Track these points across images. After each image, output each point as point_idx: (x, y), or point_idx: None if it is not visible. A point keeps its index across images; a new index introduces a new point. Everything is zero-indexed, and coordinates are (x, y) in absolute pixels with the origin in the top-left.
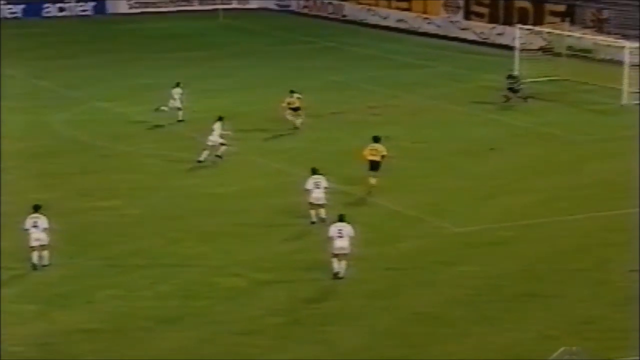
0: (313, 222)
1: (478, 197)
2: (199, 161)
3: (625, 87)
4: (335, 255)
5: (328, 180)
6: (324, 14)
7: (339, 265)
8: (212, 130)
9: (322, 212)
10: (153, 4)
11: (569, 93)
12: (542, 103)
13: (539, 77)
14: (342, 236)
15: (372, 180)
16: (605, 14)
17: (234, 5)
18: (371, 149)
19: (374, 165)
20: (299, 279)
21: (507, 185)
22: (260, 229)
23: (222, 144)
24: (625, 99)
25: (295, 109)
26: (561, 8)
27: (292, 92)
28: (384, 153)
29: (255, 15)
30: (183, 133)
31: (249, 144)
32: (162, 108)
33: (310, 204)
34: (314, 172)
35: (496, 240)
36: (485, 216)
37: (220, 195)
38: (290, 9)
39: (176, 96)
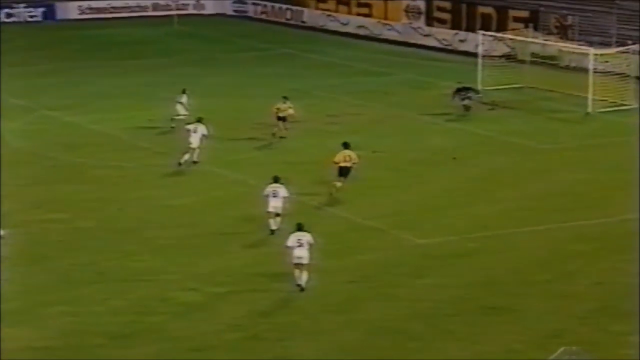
0: (272, 232)
1: (441, 207)
2: (179, 164)
3: (590, 95)
4: (295, 265)
5: (288, 189)
6: (282, 20)
7: (299, 276)
8: (194, 132)
9: (277, 222)
10: (105, 10)
11: (533, 101)
12: (505, 111)
13: (503, 84)
14: (301, 245)
15: (338, 184)
16: (570, 20)
17: (189, 11)
18: (344, 155)
19: (344, 172)
20: (258, 292)
21: (471, 196)
22: (217, 241)
23: (192, 149)
24: (590, 107)
25: (282, 119)
26: (525, 14)
27: (284, 98)
28: (356, 161)
29: (211, 21)
30: (137, 143)
31: (205, 153)
32: (177, 117)
33: (268, 212)
34: (275, 180)
35: (459, 252)
36: (448, 227)
37: (176, 206)
38: (247, 14)
39: (181, 102)
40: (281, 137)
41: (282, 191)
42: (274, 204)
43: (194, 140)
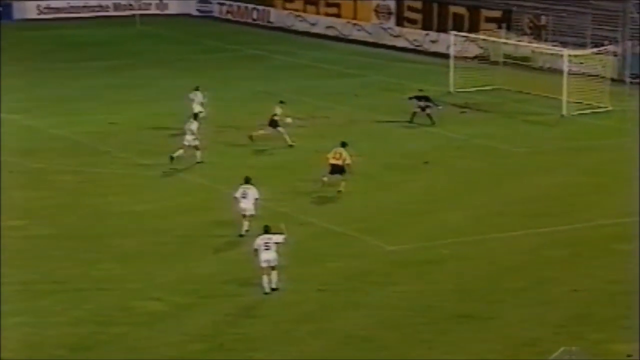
0: (241, 235)
1: (412, 213)
2: (172, 157)
3: (565, 97)
4: (262, 269)
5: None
6: (249, 20)
7: (267, 281)
8: (189, 130)
9: (247, 224)
10: (64, 10)
11: (506, 103)
12: (478, 114)
13: (475, 86)
14: (268, 248)
15: (324, 179)
16: (543, 20)
17: (152, 11)
18: (335, 153)
19: (335, 169)
20: (224, 300)
21: (443, 201)
22: (182, 248)
23: (196, 147)
24: (565, 110)
25: (274, 123)
26: (497, 14)
27: (281, 102)
28: (348, 161)
29: (175, 21)
30: (98, 147)
31: (168, 158)
32: (198, 112)
33: (239, 214)
34: (246, 180)
35: (431, 259)
36: (420, 233)
37: (139, 213)
38: (212, 14)
39: (197, 100)
40: (289, 146)
41: (253, 192)
42: (244, 206)
43: (188, 138)
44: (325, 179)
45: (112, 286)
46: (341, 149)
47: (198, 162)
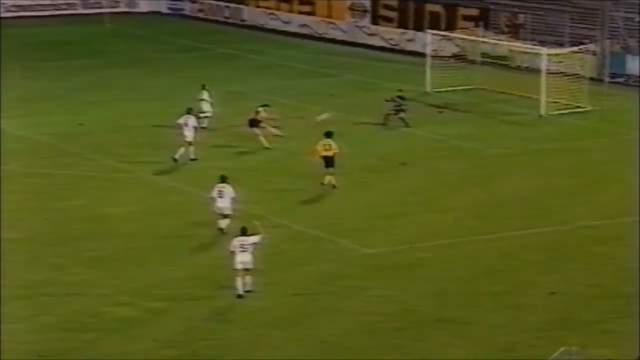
0: (221, 229)
1: (389, 215)
2: (174, 159)
3: (543, 97)
4: (237, 271)
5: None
6: (221, 19)
7: (242, 283)
8: (185, 125)
9: (224, 223)
10: (30, 8)
11: (483, 103)
12: (455, 114)
13: (452, 86)
14: (244, 250)
15: (327, 179)
16: (521, 18)
17: (122, 9)
18: (324, 144)
19: (329, 161)
20: (197, 305)
21: (420, 203)
22: (153, 252)
23: (189, 143)
24: (543, 109)
25: (255, 124)
26: (474, 12)
27: (265, 105)
28: (337, 150)
29: (145, 19)
30: (68, 149)
31: (140, 160)
32: (203, 115)
33: (215, 213)
34: (222, 180)
35: (408, 262)
36: (396, 236)
37: (109, 216)
38: (183, 12)
39: (205, 99)
40: (264, 147)
41: (229, 191)
42: (220, 205)
43: (189, 134)
44: (327, 179)
45: (82, 291)
46: (329, 140)
47: (192, 159)
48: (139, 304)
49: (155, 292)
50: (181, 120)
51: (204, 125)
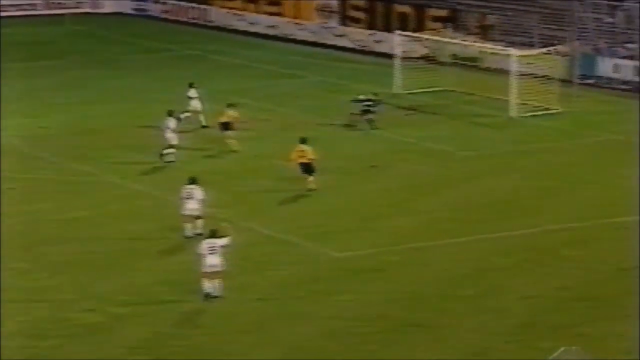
0: (187, 237)
1: (359, 219)
2: (162, 155)
3: (513, 99)
4: (206, 275)
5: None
6: (187, 19)
7: (211, 286)
8: (167, 127)
9: (199, 224)
10: None
11: (453, 105)
12: (424, 116)
13: (422, 87)
14: (214, 253)
15: (310, 184)
16: (490, 20)
17: (85, 10)
18: (299, 151)
19: (307, 168)
20: (163, 310)
21: (390, 206)
22: (118, 257)
23: (171, 146)
24: (513, 111)
25: (225, 125)
26: (443, 13)
27: (230, 105)
28: (312, 156)
29: (109, 20)
30: (29, 152)
31: (104, 163)
32: (183, 115)
33: (184, 215)
34: (192, 181)
35: (379, 266)
36: (367, 240)
37: (72, 220)
38: (148, 13)
39: (193, 97)
40: (233, 150)
41: (198, 193)
42: (190, 207)
43: (169, 136)
44: (311, 183)
45: (45, 297)
46: (303, 146)
47: (170, 162)
48: (104, 310)
49: (121, 298)
50: (165, 123)
51: (203, 124)
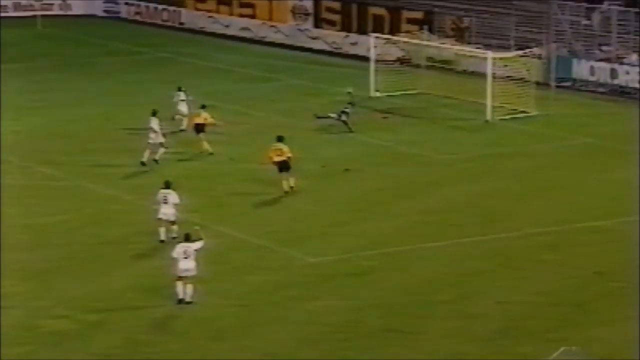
0: (162, 241)
1: (334, 223)
2: (142, 163)
3: (489, 102)
4: (180, 279)
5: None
6: (159, 21)
7: (183, 290)
8: (150, 128)
9: (174, 230)
10: None
11: (429, 108)
12: (400, 119)
13: (397, 90)
14: (188, 257)
15: (286, 185)
16: (466, 22)
17: (55, 12)
18: (275, 149)
19: (283, 166)
20: (136, 317)
21: (365, 210)
22: (90, 263)
23: (161, 144)
24: (489, 115)
25: (199, 127)
26: (419, 15)
27: (203, 106)
28: (289, 154)
29: (79, 22)
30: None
31: (75, 167)
32: (177, 117)
33: (159, 219)
34: (167, 185)
35: (354, 271)
36: (341, 244)
37: (44, 226)
38: (119, 15)
39: (181, 101)
40: (209, 153)
41: (173, 197)
42: (165, 211)
43: (153, 136)
44: (287, 185)
45: (15, 304)
46: (280, 144)
47: (154, 160)
48: (75, 317)
49: (92, 304)
50: (151, 124)
51: (182, 127)
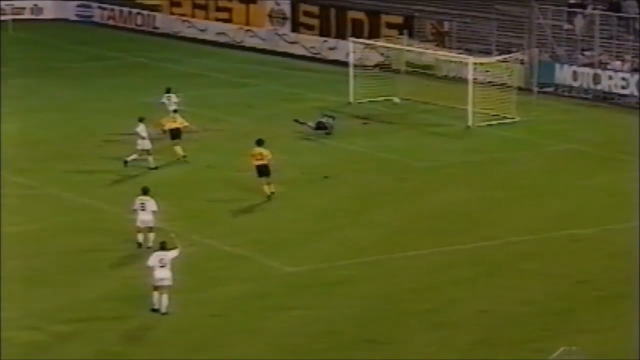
0: (139, 244)
1: (311, 231)
2: (125, 162)
3: (471, 107)
4: (156, 288)
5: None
6: (133, 26)
7: (159, 301)
8: (137, 133)
9: (150, 238)
10: None
11: (409, 114)
12: (380, 125)
13: (377, 96)
14: (163, 266)
15: (267, 189)
16: (447, 26)
17: (26, 16)
18: (255, 154)
19: (263, 170)
20: (109, 328)
21: (344, 218)
22: (61, 272)
23: (147, 152)
24: (470, 121)
25: (175, 132)
26: (399, 20)
27: (174, 111)
28: (270, 157)
29: (51, 26)
30: None
31: (47, 175)
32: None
33: (137, 226)
34: (144, 192)
35: (333, 280)
36: (320, 253)
37: (14, 235)
38: (92, 19)
39: (172, 102)
40: (183, 158)
41: (151, 204)
42: (143, 218)
43: (141, 142)
44: (268, 189)
45: None
46: (260, 149)
47: (151, 169)
48: (45, 328)
49: (64, 315)
50: (138, 130)
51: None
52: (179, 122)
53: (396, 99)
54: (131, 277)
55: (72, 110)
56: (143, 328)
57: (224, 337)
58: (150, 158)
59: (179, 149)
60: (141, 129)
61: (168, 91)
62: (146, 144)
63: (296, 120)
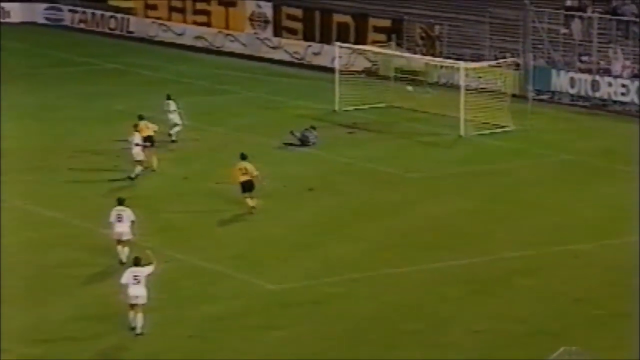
0: (122, 263)
1: (295, 247)
2: (131, 178)
3: (462, 115)
4: (132, 307)
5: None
6: (106, 30)
7: (135, 318)
8: (130, 142)
9: (125, 253)
10: None
11: (398, 122)
12: (367, 134)
13: (364, 104)
14: (138, 282)
15: (251, 202)
16: (437, 30)
17: None
18: (240, 168)
19: (247, 186)
20: (81, 350)
21: (330, 233)
22: (29, 290)
23: (139, 162)
24: (462, 129)
25: (149, 139)
26: (386, 23)
27: (140, 117)
28: (255, 173)
29: (19, 30)
30: None
31: (15, 187)
32: (173, 131)
33: (114, 239)
34: (120, 202)
35: (318, 299)
36: (304, 270)
37: None
38: (63, 23)
39: (172, 111)
40: (152, 170)
41: (128, 214)
42: (118, 230)
43: (136, 152)
44: (252, 202)
45: None
46: (244, 163)
47: (131, 178)
48: (14, 350)
49: (33, 336)
50: (130, 139)
51: (173, 138)
52: (152, 130)
53: (410, 87)
54: (104, 295)
55: (42, 118)
56: (116, 349)
57: (202, 358)
58: (138, 168)
59: (155, 160)
60: (137, 139)
61: (169, 97)
62: (139, 155)
63: (292, 133)
